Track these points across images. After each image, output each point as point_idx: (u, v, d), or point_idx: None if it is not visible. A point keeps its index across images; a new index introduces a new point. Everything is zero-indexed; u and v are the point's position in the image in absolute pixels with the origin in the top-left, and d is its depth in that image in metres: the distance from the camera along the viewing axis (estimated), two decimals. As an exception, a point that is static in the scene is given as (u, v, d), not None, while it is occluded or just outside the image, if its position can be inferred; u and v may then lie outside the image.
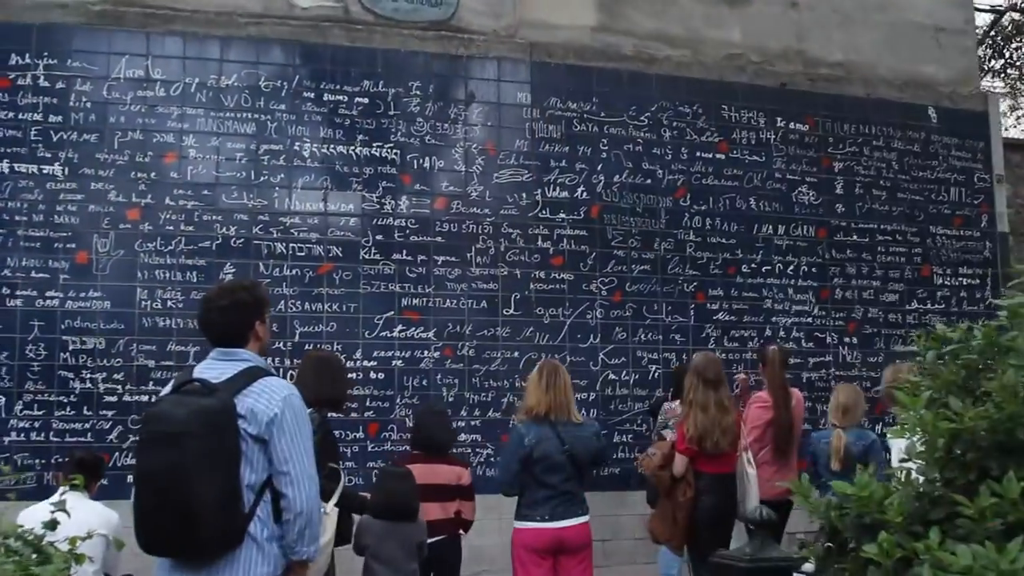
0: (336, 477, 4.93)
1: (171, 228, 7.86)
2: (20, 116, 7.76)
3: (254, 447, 3.41)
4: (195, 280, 7.82)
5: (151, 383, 7.62)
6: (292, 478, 3.42)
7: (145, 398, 7.55)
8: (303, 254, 8.11)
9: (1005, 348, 2.65)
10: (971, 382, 2.68)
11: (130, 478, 7.25)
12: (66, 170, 7.76)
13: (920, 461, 2.59)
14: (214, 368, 3.56)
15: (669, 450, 6.52)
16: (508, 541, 6.12)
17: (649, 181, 9.11)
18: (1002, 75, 20.18)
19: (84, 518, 4.17)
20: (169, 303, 7.77)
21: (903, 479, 2.62)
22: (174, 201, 7.90)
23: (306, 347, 7.83)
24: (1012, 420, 2.42)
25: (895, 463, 5.39)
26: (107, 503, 5.47)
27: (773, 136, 9.59)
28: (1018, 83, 21.09)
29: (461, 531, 6.02)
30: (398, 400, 8.15)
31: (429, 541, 5.50)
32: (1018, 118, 21.10)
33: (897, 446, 5.38)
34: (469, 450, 8.19)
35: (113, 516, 5.21)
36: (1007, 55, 20.22)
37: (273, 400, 3.45)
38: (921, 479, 2.62)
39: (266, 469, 3.44)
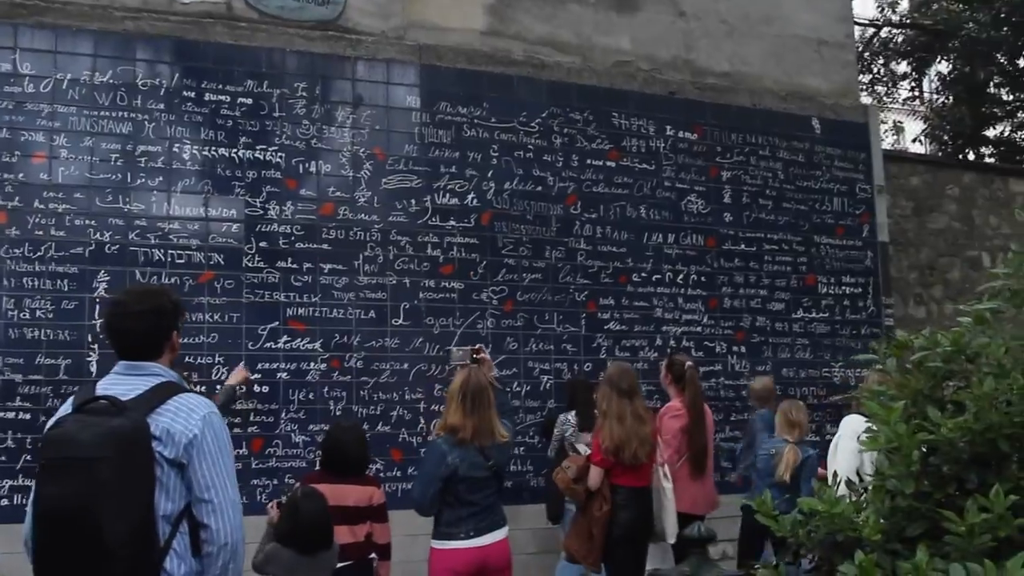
0: None
1: (40, 233, 7.37)
2: None
3: (170, 472, 3.05)
4: (66, 289, 7.35)
5: (18, 399, 7.12)
6: (215, 506, 3.07)
7: (12, 415, 7.07)
8: (182, 261, 7.71)
9: (973, 354, 2.54)
10: (937, 391, 2.56)
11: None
12: (-76, 170, 7.23)
13: (892, 474, 2.45)
14: (121, 383, 3.17)
15: (584, 463, 6.33)
16: (401, 559, 5.89)
17: (540, 188, 8.96)
18: (869, 90, 20.70)
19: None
20: (38, 313, 7.28)
21: (873, 493, 2.48)
22: (43, 204, 7.41)
23: (185, 359, 7.46)
24: (992, 431, 2.30)
25: (838, 443, 5.41)
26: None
27: (662, 144, 9.55)
28: (884, 98, 21.68)
29: (374, 555, 5.70)
30: (283, 415, 7.80)
31: (337, 566, 5.18)
32: (884, 132, 21.67)
33: (850, 427, 5.40)
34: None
35: None
36: (875, 71, 20.77)
37: (192, 419, 3.10)
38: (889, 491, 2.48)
39: (184, 497, 3.07)
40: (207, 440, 3.10)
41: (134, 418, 3.00)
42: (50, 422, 3.14)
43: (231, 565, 3.10)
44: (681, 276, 9.41)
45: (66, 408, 3.18)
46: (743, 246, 9.73)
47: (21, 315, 7.27)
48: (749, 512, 7.04)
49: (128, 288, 4.26)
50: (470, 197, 8.67)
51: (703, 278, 9.51)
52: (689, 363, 7.22)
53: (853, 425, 5.42)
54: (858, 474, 2.86)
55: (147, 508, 2.97)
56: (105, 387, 3.17)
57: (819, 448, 7.55)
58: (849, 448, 5.37)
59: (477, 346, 6.40)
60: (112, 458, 2.87)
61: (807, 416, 7.49)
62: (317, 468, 6.11)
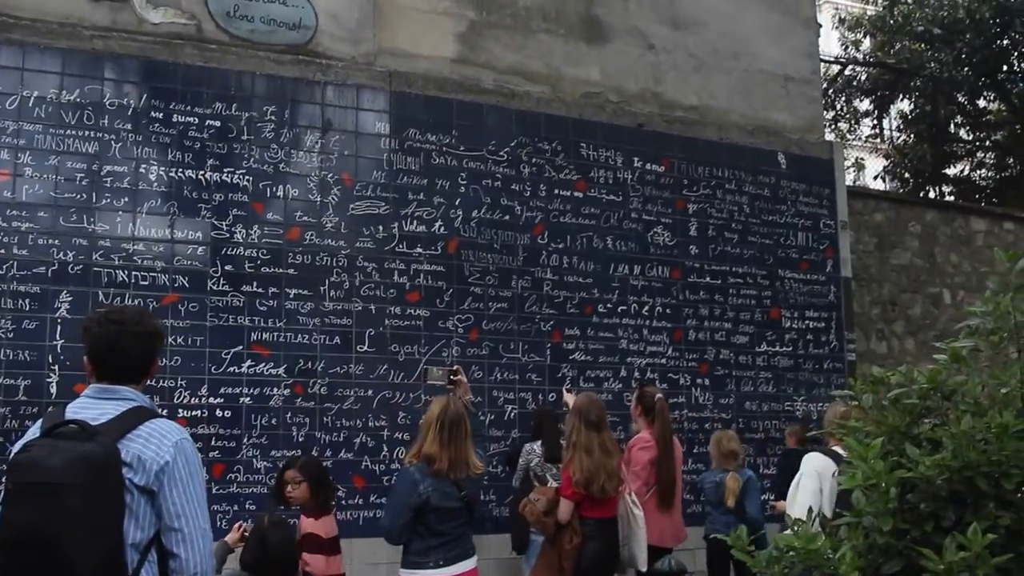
0: None
1: (2, 251, 7.26)
2: None
3: (140, 499, 2.97)
4: (28, 308, 7.23)
5: (-25, 420, 7.02)
6: (185, 535, 3.00)
7: (-31, 436, 6.96)
8: (147, 283, 7.62)
9: (949, 392, 2.55)
10: (913, 428, 2.57)
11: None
12: None
13: (869, 511, 2.44)
14: (92, 407, 3.09)
15: (554, 495, 6.27)
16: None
17: (507, 217, 8.96)
18: (832, 127, 20.93)
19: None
20: (-1, 334, 7.19)
21: (849, 530, 2.47)
22: (7, 222, 7.30)
23: (148, 382, 7.35)
24: (970, 468, 2.31)
25: (799, 482, 5.34)
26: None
27: (630, 176, 9.58)
28: (847, 135, 21.93)
29: None
30: (245, 440, 7.71)
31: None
32: (846, 168, 21.90)
33: (811, 466, 5.34)
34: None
35: None
36: (838, 108, 21.01)
37: (163, 446, 3.03)
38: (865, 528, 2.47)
39: (153, 525, 3.00)
40: (178, 467, 3.04)
41: (105, 443, 2.93)
42: (17, 446, 3.06)
43: None
44: (647, 308, 9.43)
45: (34, 432, 3.09)
46: (708, 279, 9.77)
47: (-19, 335, 7.16)
48: (714, 543, 7.12)
49: (119, 307, 4.17)
50: (437, 225, 8.65)
51: (668, 310, 9.53)
52: (659, 395, 7.22)
53: (814, 464, 5.38)
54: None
55: (116, 536, 2.89)
56: (75, 411, 3.09)
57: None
58: (810, 488, 5.32)
59: (455, 367, 6.34)
60: (82, 485, 2.81)
61: (739, 444, 7.88)
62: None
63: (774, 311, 10.08)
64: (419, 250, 8.55)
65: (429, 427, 5.31)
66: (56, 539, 2.77)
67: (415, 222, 8.58)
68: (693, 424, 9.40)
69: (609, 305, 9.27)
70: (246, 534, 5.06)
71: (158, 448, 3.03)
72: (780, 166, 10.45)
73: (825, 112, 19.89)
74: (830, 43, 21.03)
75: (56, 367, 7.22)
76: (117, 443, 2.97)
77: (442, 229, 8.67)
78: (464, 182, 8.84)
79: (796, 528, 2.53)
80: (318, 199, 8.29)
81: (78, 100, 7.66)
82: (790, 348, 10.11)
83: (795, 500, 5.37)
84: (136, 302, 7.46)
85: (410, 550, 5.26)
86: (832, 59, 20.67)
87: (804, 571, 2.39)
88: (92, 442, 2.91)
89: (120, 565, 2.90)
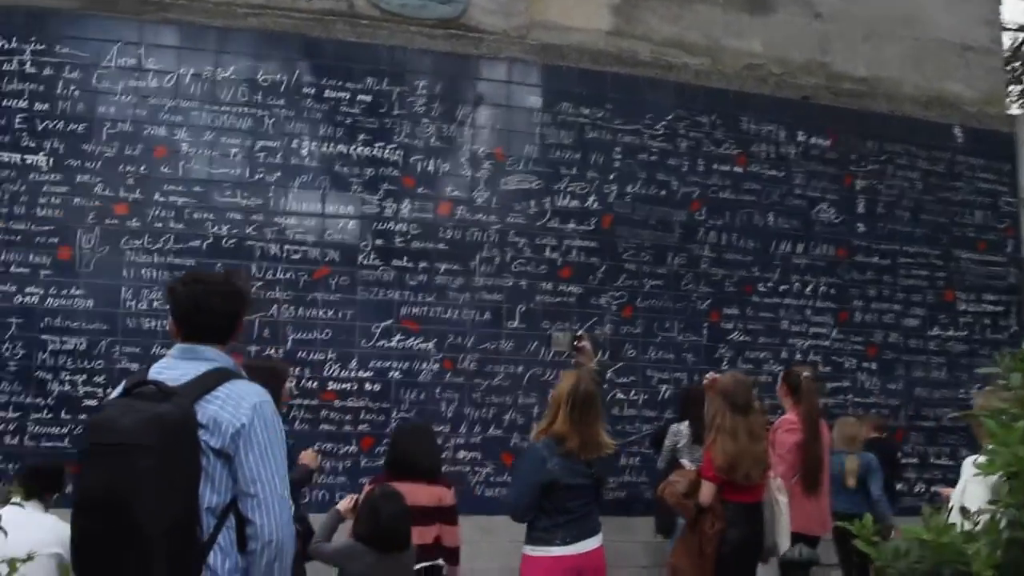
0: None
1: (160, 225, 7.45)
2: (4, 103, 7.34)
3: (216, 463, 2.88)
4: (184, 281, 7.39)
5: (134, 388, 7.18)
6: (260, 500, 2.88)
7: (125, 403, 7.13)
8: (298, 257, 7.70)
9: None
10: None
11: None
12: (51, 161, 7.34)
13: (1010, 502, 2.14)
14: (174, 368, 3.02)
15: (695, 477, 5.94)
16: (504, 566, 5.69)
17: (663, 192, 8.71)
18: (1020, 101, 19.79)
19: (30, 536, 3.68)
20: (155, 304, 7.33)
21: (988, 523, 2.18)
22: (164, 197, 7.49)
23: (299, 355, 7.45)
24: None
25: (961, 487, 4.90)
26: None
27: (793, 151, 9.20)
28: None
29: (441, 560, 5.43)
30: (394, 414, 7.71)
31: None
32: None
33: (970, 468, 4.90)
34: (468, 468, 7.77)
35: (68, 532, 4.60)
36: (1025, 82, 19.87)
37: (240, 408, 2.92)
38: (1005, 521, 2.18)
39: (230, 489, 2.90)
40: (256, 430, 2.93)
41: (181, 404, 2.84)
42: (99, 405, 3.03)
43: (276, 564, 2.91)
44: (810, 287, 9.05)
45: (117, 393, 3.05)
46: (877, 258, 9.31)
47: (139, 305, 7.34)
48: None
49: (205, 271, 4.12)
50: (591, 200, 8.48)
51: (833, 290, 9.12)
52: (806, 374, 6.77)
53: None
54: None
55: (190, 499, 2.81)
56: (157, 371, 3.03)
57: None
58: (981, 495, 4.81)
59: (579, 333, 6.14)
60: (154, 446, 2.72)
61: (858, 429, 7.96)
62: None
63: (948, 293, 9.54)
64: (572, 225, 8.39)
65: (559, 405, 5.09)
66: (125, 501, 2.68)
67: (568, 197, 8.43)
68: (859, 410, 8.93)
69: (770, 284, 8.92)
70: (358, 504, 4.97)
71: (235, 410, 2.93)
72: (956, 140, 9.87)
73: (1011, 86, 18.86)
74: (1016, 10, 19.83)
75: (210, 338, 7.32)
76: (194, 404, 2.89)
77: (595, 204, 8.49)
78: (619, 156, 8.63)
79: (928, 519, 2.26)
80: (469, 174, 8.21)
81: (233, 77, 7.78)
82: (965, 332, 9.55)
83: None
84: (288, 275, 7.58)
85: (536, 527, 5.07)
86: (1016, 27, 19.52)
87: (934, 567, 2.11)
88: (168, 403, 2.83)
89: (191, 530, 2.80)
